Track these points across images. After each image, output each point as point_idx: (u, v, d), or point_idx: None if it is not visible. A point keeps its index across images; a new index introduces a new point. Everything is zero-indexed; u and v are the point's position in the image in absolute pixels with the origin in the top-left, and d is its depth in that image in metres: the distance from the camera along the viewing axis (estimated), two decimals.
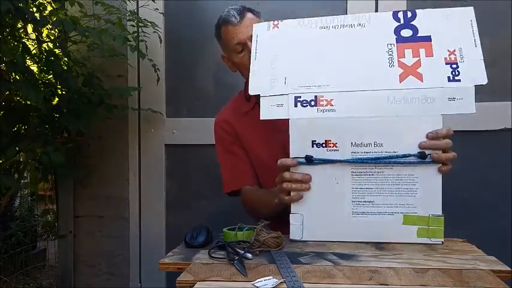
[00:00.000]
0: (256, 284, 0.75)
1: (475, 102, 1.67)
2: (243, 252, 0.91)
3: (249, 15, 1.25)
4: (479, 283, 0.74)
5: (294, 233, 1.02)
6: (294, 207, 1.02)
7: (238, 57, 1.26)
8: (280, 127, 1.26)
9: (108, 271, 1.94)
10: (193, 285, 0.77)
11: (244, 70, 1.28)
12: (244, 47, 1.23)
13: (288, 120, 1.23)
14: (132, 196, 1.91)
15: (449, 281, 0.75)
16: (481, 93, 1.66)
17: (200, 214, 1.89)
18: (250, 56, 1.20)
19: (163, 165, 1.90)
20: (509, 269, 0.82)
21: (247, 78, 1.30)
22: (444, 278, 0.76)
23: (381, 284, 0.75)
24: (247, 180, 1.34)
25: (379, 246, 0.98)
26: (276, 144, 1.27)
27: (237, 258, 0.88)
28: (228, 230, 1.05)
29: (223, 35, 1.27)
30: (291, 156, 0.99)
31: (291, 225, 1.02)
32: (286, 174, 1.00)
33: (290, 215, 1.02)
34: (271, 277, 0.77)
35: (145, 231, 1.91)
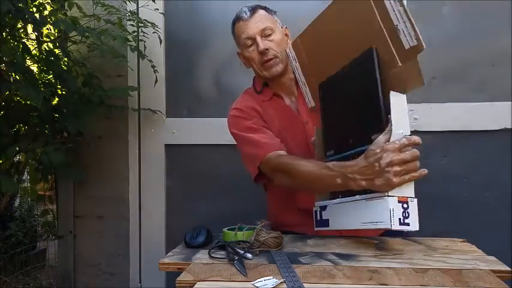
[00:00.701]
0: (256, 284, 0.75)
1: (477, 102, 1.69)
2: (243, 252, 0.91)
3: (261, 11, 1.27)
4: (479, 283, 0.74)
5: (415, 222, 0.88)
6: (412, 192, 0.88)
7: (249, 51, 1.27)
8: (301, 118, 1.27)
9: (108, 271, 1.94)
10: (193, 285, 0.77)
11: (254, 65, 1.29)
12: (253, 42, 1.25)
13: (305, 113, 1.26)
14: (132, 196, 1.91)
15: (449, 281, 0.75)
16: (482, 93, 1.68)
17: (200, 214, 1.89)
18: (258, 47, 1.23)
19: (163, 165, 1.90)
20: (509, 269, 0.82)
21: (257, 73, 1.32)
22: (444, 278, 0.76)
23: (380, 284, 0.75)
24: (276, 146, 1.20)
25: (379, 246, 0.98)
26: (298, 133, 1.28)
27: (237, 258, 0.88)
28: (228, 230, 1.05)
29: (235, 31, 1.30)
30: (407, 133, 0.88)
31: (413, 215, 0.87)
32: (417, 153, 0.86)
33: (413, 202, 0.88)
34: (271, 277, 0.77)
35: (145, 231, 1.91)
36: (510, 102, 1.66)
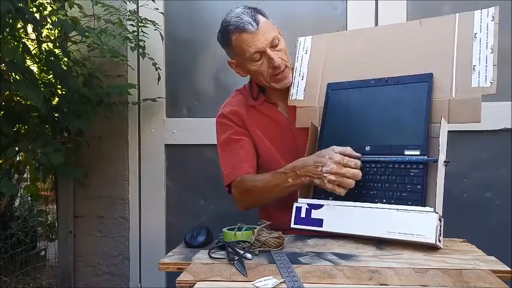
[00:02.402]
0: (256, 284, 0.75)
1: None
2: (243, 252, 0.91)
3: (261, 18, 1.18)
4: (479, 283, 0.74)
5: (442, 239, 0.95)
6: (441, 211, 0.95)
7: (256, 65, 1.20)
8: (290, 123, 1.26)
9: (108, 271, 1.94)
10: (193, 285, 0.77)
11: (262, 78, 1.24)
12: (262, 55, 1.19)
13: (294, 119, 1.24)
14: (132, 196, 1.91)
15: (449, 281, 0.75)
16: None
17: (200, 214, 1.89)
18: (269, 63, 1.19)
19: (163, 165, 1.90)
20: (509, 269, 0.82)
21: (263, 84, 1.27)
22: (444, 278, 0.76)
23: (380, 284, 0.75)
24: (246, 169, 1.24)
25: (379, 246, 0.98)
26: (284, 140, 1.27)
27: (237, 258, 0.88)
28: (227, 230, 1.05)
29: (235, 43, 1.19)
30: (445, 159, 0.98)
31: (442, 233, 0.94)
32: (357, 175, 1.00)
33: (442, 221, 0.94)
34: (271, 277, 0.77)
35: (145, 231, 1.91)
36: (510, 102, 1.66)
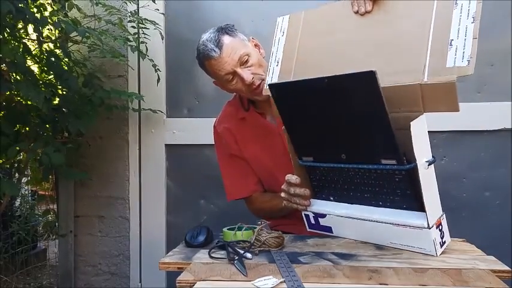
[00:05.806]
0: (256, 284, 0.75)
1: (476, 102, 1.69)
2: (242, 252, 0.91)
3: (226, 39, 1.18)
4: (479, 283, 0.74)
5: (448, 234, 0.94)
6: (440, 210, 0.93)
7: (232, 84, 1.22)
8: (276, 130, 1.26)
9: (108, 271, 1.95)
10: (194, 285, 0.77)
11: (241, 93, 1.26)
12: (234, 75, 1.20)
13: (280, 122, 1.22)
14: (132, 196, 1.92)
15: (449, 280, 0.75)
16: (481, 93, 1.68)
17: (200, 214, 1.90)
18: (244, 80, 1.18)
19: (163, 165, 1.90)
20: (509, 269, 0.82)
21: (247, 97, 1.29)
22: (444, 278, 0.77)
23: (380, 284, 0.75)
24: (251, 188, 1.34)
25: (379, 246, 0.98)
26: (275, 146, 1.27)
27: (237, 258, 0.88)
28: (227, 229, 1.06)
29: (208, 68, 1.23)
30: (428, 158, 0.88)
31: (446, 230, 0.94)
32: (297, 192, 1.06)
33: (444, 219, 0.93)
34: (271, 277, 0.78)
35: (145, 231, 1.92)
36: (510, 102, 1.66)
